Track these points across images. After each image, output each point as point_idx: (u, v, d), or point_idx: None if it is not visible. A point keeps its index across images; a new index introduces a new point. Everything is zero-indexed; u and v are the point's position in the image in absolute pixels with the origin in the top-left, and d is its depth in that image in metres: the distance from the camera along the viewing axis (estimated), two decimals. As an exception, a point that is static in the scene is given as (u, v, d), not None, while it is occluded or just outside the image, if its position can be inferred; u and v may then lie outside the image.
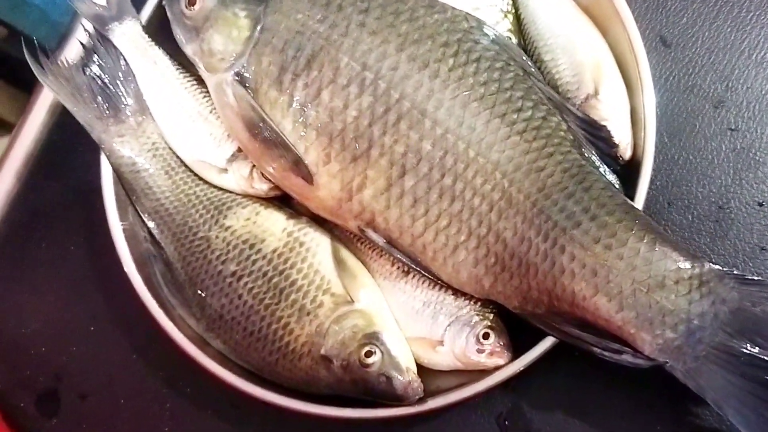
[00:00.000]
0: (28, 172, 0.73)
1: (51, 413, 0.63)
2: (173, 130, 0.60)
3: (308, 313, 0.53)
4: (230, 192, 0.60)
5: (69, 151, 0.72)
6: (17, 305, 0.67)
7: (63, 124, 0.73)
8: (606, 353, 0.46)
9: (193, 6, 0.57)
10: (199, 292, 0.57)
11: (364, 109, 0.51)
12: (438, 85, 0.50)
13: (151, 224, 0.59)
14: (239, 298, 0.55)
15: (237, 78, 0.54)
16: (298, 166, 0.53)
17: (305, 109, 0.52)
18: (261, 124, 0.53)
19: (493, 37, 0.53)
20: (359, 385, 0.51)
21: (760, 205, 0.54)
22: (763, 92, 0.56)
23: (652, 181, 0.50)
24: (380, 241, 0.53)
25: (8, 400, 0.63)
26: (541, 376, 0.53)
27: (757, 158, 0.55)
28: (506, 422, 0.55)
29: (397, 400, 0.50)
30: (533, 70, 0.54)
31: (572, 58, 0.54)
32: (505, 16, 0.57)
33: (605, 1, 0.54)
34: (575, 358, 0.52)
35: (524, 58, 0.54)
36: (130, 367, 0.63)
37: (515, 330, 0.52)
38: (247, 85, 0.54)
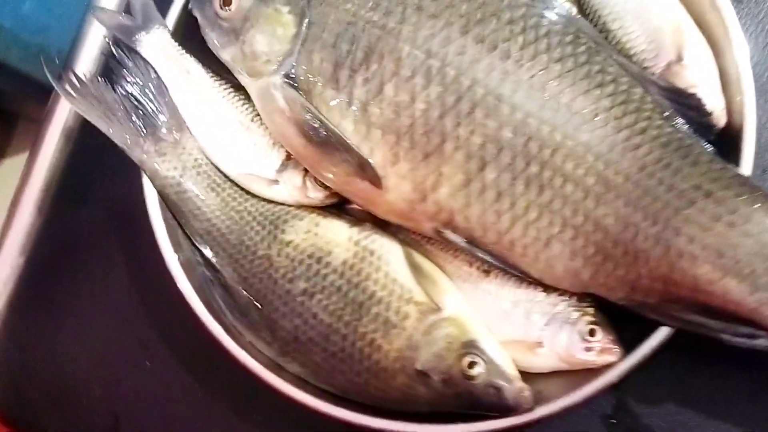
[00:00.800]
0: (50, 203, 0.68)
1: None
2: (215, 144, 0.56)
3: (395, 327, 0.49)
4: (283, 204, 0.55)
5: (92, 176, 0.68)
6: (63, 346, 0.63)
7: (82, 148, 0.69)
8: (737, 339, 0.43)
9: (228, 6, 0.52)
10: (268, 314, 0.52)
11: (433, 100, 0.47)
12: (511, 67, 0.46)
13: (204, 247, 0.55)
14: (314, 317, 0.51)
15: (286, 80, 0.50)
16: (363, 169, 0.49)
17: (367, 106, 0.48)
18: (318, 127, 0.49)
19: (557, 8, 0.49)
20: (464, 399, 0.47)
21: None
22: None
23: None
24: (461, 242, 0.49)
25: (67, 448, 0.60)
26: (645, 370, 0.49)
27: None
28: (612, 421, 0.51)
29: (509, 411, 0.46)
30: (603, 41, 0.50)
31: (646, 23, 0.50)
32: (564, -15, 0.53)
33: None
34: (679, 347, 0.48)
35: (592, 29, 0.50)
36: (193, 401, 0.59)
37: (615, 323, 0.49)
38: (298, 86, 0.50)
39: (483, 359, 0.47)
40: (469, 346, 0.47)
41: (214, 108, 0.56)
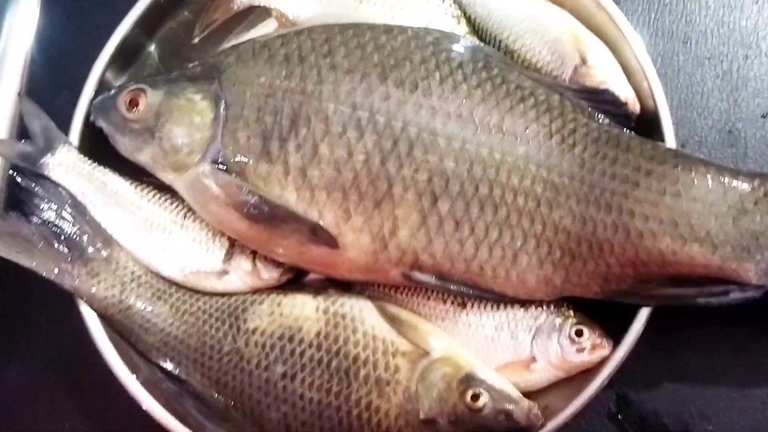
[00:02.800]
0: None
1: None
2: (150, 251, 0.53)
3: (388, 383, 0.48)
4: (237, 294, 0.53)
5: (17, 328, 0.61)
6: None
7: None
8: (712, 299, 0.45)
9: (136, 107, 0.51)
10: (251, 411, 0.49)
11: (371, 149, 0.47)
12: (437, 101, 0.48)
13: (163, 361, 0.51)
14: (301, 398, 0.49)
15: (215, 165, 0.49)
16: (316, 233, 0.48)
17: (306, 171, 0.48)
18: (260, 205, 0.48)
19: (461, 41, 0.51)
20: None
21: (764, 117, 0.55)
22: (722, 17, 0.59)
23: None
24: (431, 279, 0.49)
25: None
26: (633, 361, 0.50)
27: (742, 75, 0.56)
28: (619, 415, 0.52)
29: (514, 426, 0.45)
30: (511, 61, 0.53)
31: (545, 36, 0.53)
32: (458, 21, 0.56)
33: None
34: (657, 330, 0.49)
35: (497, 52, 0.53)
36: None
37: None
38: (228, 169, 0.49)
39: (484, 389, 0.46)
40: (468, 380, 0.47)
41: (141, 214, 0.54)
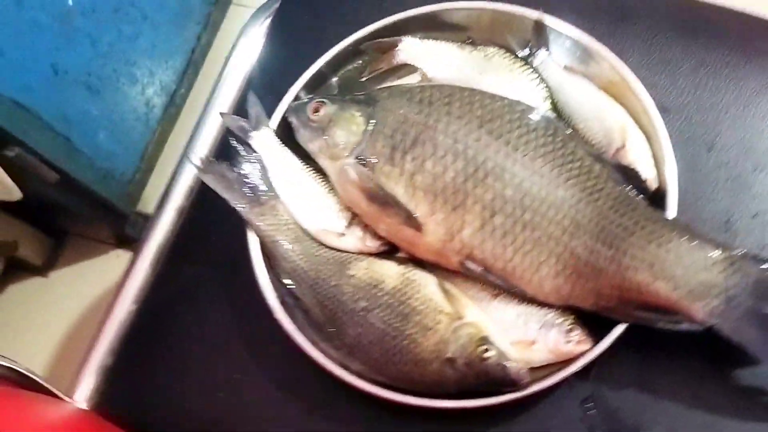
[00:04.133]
0: (164, 261, 0.88)
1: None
2: (300, 209, 0.77)
3: (430, 329, 0.68)
4: (347, 252, 0.76)
5: (199, 239, 0.87)
6: (170, 373, 0.80)
7: (189, 219, 0.89)
8: (669, 325, 0.62)
9: (317, 113, 0.77)
10: (338, 327, 0.72)
11: (459, 170, 0.69)
12: (511, 149, 0.69)
13: (288, 281, 0.75)
14: (372, 326, 0.70)
15: (357, 160, 0.73)
16: (409, 219, 0.70)
17: (413, 176, 0.70)
18: (379, 192, 0.71)
19: (541, 114, 0.72)
20: (481, 375, 0.65)
21: (754, 217, 0.72)
22: (741, 137, 0.77)
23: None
24: (478, 269, 0.69)
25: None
26: (613, 363, 0.68)
27: (747, 182, 0.74)
28: (589, 404, 0.69)
29: (512, 383, 0.64)
30: (574, 134, 0.73)
31: (602, 123, 0.74)
32: (544, 100, 0.77)
33: (621, 81, 0.75)
34: (638, 347, 0.67)
35: (565, 127, 0.74)
36: (276, 400, 0.76)
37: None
38: (365, 164, 0.73)
39: (494, 348, 0.66)
40: (484, 340, 0.66)
41: (300, 183, 0.79)
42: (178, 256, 0.88)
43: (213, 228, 0.85)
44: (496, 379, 0.65)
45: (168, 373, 0.80)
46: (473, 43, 0.81)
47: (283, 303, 0.74)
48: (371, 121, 0.73)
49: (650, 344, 0.67)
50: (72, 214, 1.46)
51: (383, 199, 0.71)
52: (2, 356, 0.76)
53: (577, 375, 0.65)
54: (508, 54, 0.79)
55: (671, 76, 0.81)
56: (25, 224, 1.52)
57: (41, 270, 1.58)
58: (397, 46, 0.81)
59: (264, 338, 0.75)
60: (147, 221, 0.90)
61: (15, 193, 1.23)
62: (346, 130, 0.74)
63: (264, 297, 0.74)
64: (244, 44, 0.95)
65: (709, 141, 0.77)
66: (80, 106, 1.38)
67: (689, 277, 0.62)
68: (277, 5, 0.94)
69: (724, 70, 0.81)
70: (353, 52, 0.83)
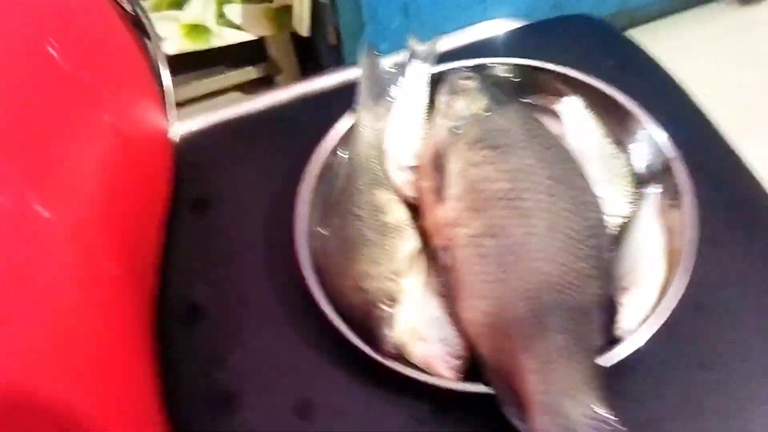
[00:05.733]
0: None
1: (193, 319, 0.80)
2: (396, 130, 0.89)
3: (375, 263, 0.76)
4: (390, 185, 0.86)
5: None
6: None
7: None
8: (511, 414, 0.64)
9: (465, 81, 0.87)
10: (328, 217, 0.83)
11: (503, 189, 0.74)
12: (546, 210, 0.74)
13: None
14: (347, 228, 0.80)
15: (452, 128, 0.83)
16: (439, 191, 0.78)
17: (472, 167, 0.78)
18: (441, 158, 0.80)
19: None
20: (365, 317, 0.72)
21: None
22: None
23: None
24: (444, 261, 0.76)
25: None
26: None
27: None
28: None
29: (377, 340, 0.71)
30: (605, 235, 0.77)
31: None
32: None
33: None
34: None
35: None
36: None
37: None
38: (454, 134, 0.82)
39: (391, 311, 0.72)
40: (392, 300, 0.73)
41: (412, 119, 0.90)
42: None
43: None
44: (371, 329, 0.72)
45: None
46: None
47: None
48: (486, 113, 0.83)
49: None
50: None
51: (438, 165, 0.80)
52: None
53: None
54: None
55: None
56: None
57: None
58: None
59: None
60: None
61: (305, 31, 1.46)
62: (467, 105, 0.85)
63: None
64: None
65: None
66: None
67: (554, 398, 0.63)
68: None
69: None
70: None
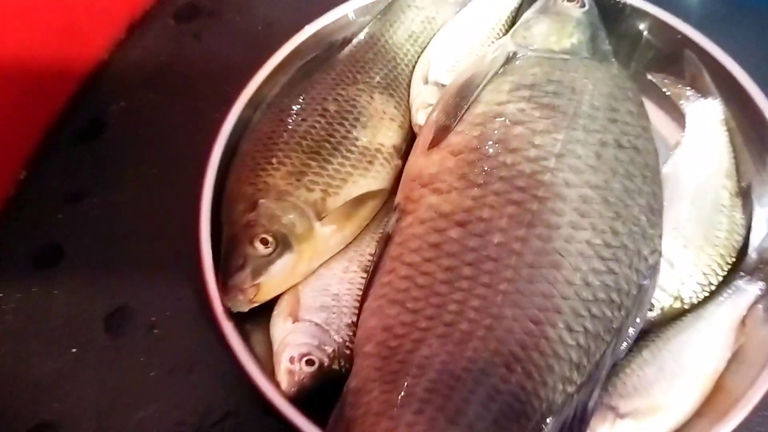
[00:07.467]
0: None
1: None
2: (451, 36, 0.65)
3: (302, 174, 0.54)
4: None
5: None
6: None
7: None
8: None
9: (569, 2, 0.58)
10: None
11: (512, 166, 0.48)
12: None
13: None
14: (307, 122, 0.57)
15: (510, 54, 0.54)
16: (443, 130, 0.51)
17: (493, 119, 0.50)
18: (472, 86, 0.53)
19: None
20: (236, 242, 0.51)
21: None
22: None
23: None
24: (388, 229, 0.50)
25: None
26: None
27: None
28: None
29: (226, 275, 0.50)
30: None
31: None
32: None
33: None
34: None
35: None
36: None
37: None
38: (506, 63, 0.54)
39: (265, 251, 0.51)
40: (283, 239, 0.51)
41: (461, 27, 0.65)
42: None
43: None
44: (227, 260, 0.51)
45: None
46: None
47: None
48: (565, 56, 0.55)
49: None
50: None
51: (464, 95, 0.52)
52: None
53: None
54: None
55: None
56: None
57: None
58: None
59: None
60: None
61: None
62: (549, 33, 0.56)
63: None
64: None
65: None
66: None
67: None
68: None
69: None
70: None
